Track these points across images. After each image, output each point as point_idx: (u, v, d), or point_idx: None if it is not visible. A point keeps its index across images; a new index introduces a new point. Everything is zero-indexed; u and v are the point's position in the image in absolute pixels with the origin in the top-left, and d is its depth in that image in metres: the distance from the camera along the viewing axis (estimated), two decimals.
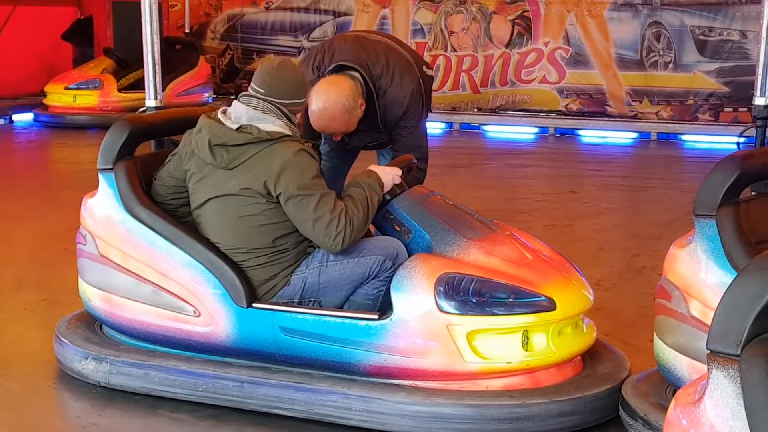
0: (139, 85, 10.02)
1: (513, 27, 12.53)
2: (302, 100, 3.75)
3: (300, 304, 3.66)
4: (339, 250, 3.57)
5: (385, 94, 4.35)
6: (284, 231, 3.65)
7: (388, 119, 4.40)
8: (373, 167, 3.85)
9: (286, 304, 3.64)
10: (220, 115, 3.68)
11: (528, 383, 3.51)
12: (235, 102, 3.71)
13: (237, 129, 3.59)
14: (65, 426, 3.75)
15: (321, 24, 13.12)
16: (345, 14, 13.08)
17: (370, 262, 3.62)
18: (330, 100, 4.14)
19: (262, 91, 3.65)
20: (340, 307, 3.67)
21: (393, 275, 3.58)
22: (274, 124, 3.62)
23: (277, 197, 3.57)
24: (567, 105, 12.39)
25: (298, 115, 3.80)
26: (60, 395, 3.97)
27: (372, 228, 3.90)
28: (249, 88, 3.71)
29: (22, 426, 3.70)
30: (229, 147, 3.60)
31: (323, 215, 3.53)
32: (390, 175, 3.80)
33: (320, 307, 3.66)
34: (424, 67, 4.65)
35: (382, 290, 3.63)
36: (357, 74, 4.27)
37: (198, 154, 3.68)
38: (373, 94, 4.30)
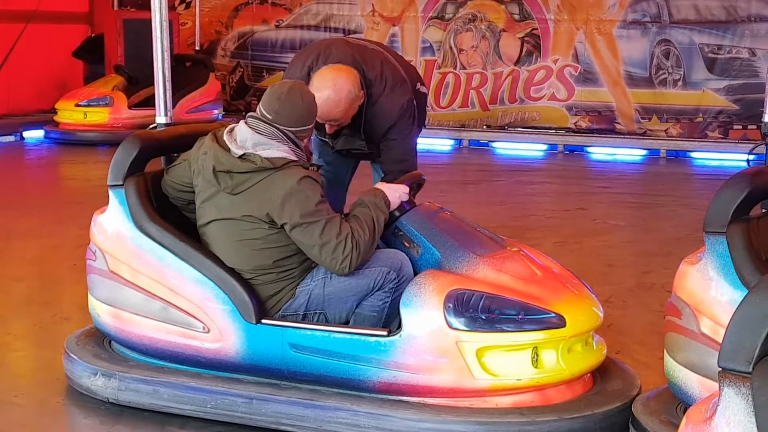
0: (149, 102, 10.07)
1: (522, 45, 12.56)
2: (310, 126, 3.75)
3: (305, 316, 3.66)
4: (346, 273, 3.58)
5: (375, 103, 4.32)
6: (287, 253, 3.66)
7: (375, 130, 4.37)
8: (380, 185, 3.85)
9: (293, 319, 3.65)
10: (226, 137, 3.68)
11: (538, 400, 3.50)
12: (241, 123, 3.71)
13: (240, 156, 3.60)
14: None
15: None
16: (355, 32, 13.12)
17: (374, 274, 3.62)
18: (337, 85, 4.13)
19: (270, 117, 3.65)
20: (346, 320, 3.68)
21: (399, 288, 3.59)
22: (278, 150, 3.61)
23: (282, 226, 3.58)
24: (576, 122, 12.40)
25: (305, 140, 3.80)
26: (69, 411, 3.97)
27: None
28: (257, 109, 3.71)
29: None
30: (233, 174, 3.61)
31: (329, 240, 3.53)
32: (397, 192, 3.80)
33: (326, 319, 3.67)
34: (418, 84, 4.64)
35: (387, 302, 3.63)
36: None
37: (203, 176, 3.70)
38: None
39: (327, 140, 4.52)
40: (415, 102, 4.48)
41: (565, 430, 3.40)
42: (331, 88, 4.12)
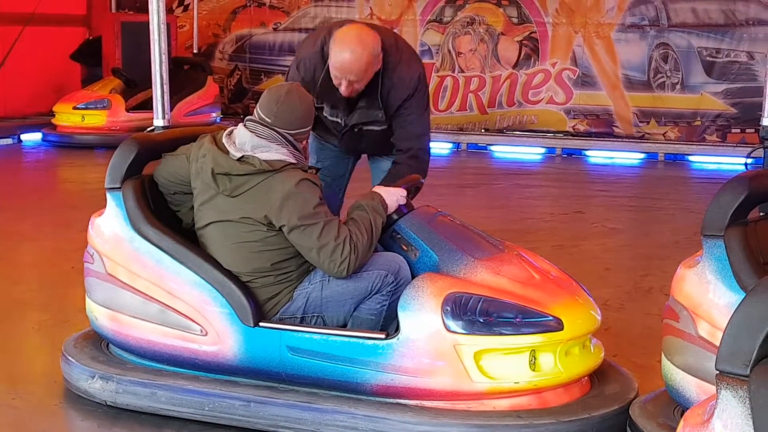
0: (147, 105, 10.06)
1: (520, 48, 12.57)
2: (308, 128, 3.75)
3: (303, 319, 3.66)
4: (345, 275, 3.58)
5: (392, 72, 4.24)
6: (285, 256, 3.66)
7: (391, 101, 4.28)
8: (378, 188, 3.85)
9: (291, 322, 3.65)
10: (225, 139, 3.69)
11: (535, 403, 3.50)
12: (240, 126, 3.71)
13: (239, 159, 3.60)
14: None
15: None
16: None
17: (372, 277, 3.62)
18: (362, 39, 4.08)
19: (269, 120, 3.65)
20: (344, 323, 3.68)
21: (397, 292, 3.59)
22: (277, 152, 3.62)
23: (280, 228, 3.58)
24: (574, 126, 12.41)
25: (304, 142, 3.80)
26: (66, 414, 3.96)
27: None
28: (255, 113, 3.71)
29: None
30: (232, 176, 3.61)
31: (327, 243, 3.53)
32: (394, 195, 3.80)
33: (323, 322, 3.67)
34: None
35: (385, 305, 3.63)
36: None
37: (202, 179, 3.70)
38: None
39: (339, 120, 4.41)
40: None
41: None
42: (356, 42, 4.06)
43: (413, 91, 4.30)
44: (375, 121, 4.36)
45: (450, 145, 12.38)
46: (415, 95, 4.32)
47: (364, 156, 4.79)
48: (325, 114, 4.41)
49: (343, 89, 4.19)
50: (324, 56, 4.23)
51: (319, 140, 4.67)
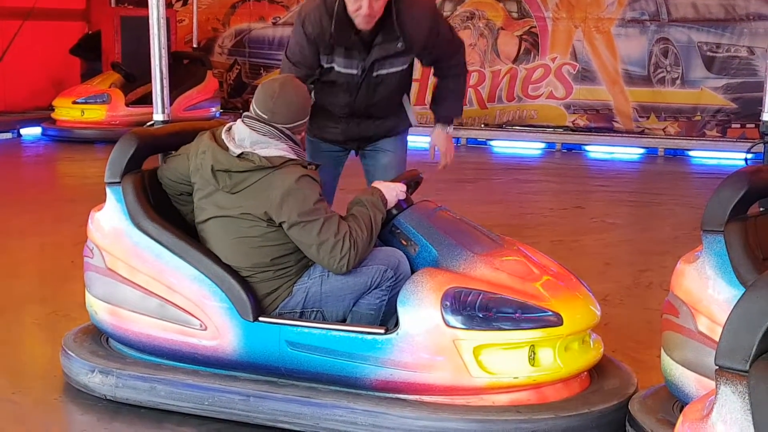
0: (146, 100, 10.06)
1: (520, 43, 12.56)
2: (306, 120, 3.74)
3: (303, 314, 3.66)
4: (344, 271, 3.57)
5: (409, 7, 4.20)
6: (284, 251, 3.66)
7: (416, 35, 4.24)
8: (377, 183, 3.84)
9: (291, 317, 3.65)
10: (224, 136, 3.68)
11: (535, 398, 3.51)
12: (239, 122, 3.71)
13: (239, 156, 3.60)
14: None
15: None
16: None
17: (371, 272, 3.62)
18: None
19: (266, 116, 3.64)
20: (343, 318, 3.68)
21: (396, 286, 3.59)
22: (277, 148, 3.61)
23: (280, 224, 3.58)
24: (574, 120, 12.40)
25: (303, 133, 3.79)
26: (66, 408, 3.97)
27: None
28: (251, 109, 3.70)
29: None
30: (231, 173, 3.60)
31: (327, 239, 3.53)
32: (394, 191, 3.80)
33: (323, 317, 3.67)
34: None
35: (384, 300, 3.63)
36: None
37: (201, 174, 3.70)
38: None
39: (355, 71, 4.30)
40: None
41: (561, 428, 3.40)
42: None
43: (434, 18, 4.35)
44: (396, 55, 4.29)
45: None
46: (439, 22, 4.40)
47: (356, 159, 4.75)
48: (338, 69, 4.31)
49: (364, 10, 4.09)
50: (327, 6, 4.19)
51: (312, 143, 4.61)
